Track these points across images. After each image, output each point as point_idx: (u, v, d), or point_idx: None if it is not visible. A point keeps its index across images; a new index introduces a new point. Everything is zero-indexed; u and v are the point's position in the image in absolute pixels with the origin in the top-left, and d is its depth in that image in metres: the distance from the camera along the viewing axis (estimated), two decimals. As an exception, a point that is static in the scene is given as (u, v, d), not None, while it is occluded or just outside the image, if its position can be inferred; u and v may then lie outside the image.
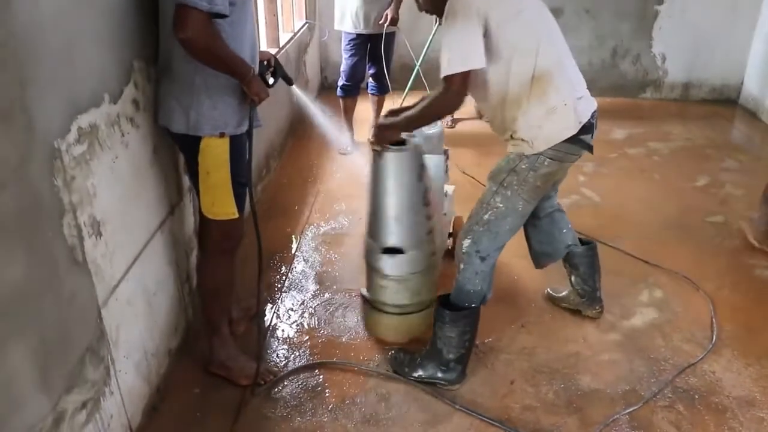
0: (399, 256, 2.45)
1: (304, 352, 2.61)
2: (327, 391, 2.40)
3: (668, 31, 5.94)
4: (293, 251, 3.38)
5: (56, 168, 1.60)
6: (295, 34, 4.94)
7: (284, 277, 3.12)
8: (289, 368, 2.50)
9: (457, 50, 2.02)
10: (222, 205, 2.16)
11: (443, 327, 2.32)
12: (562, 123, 2.15)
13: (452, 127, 5.27)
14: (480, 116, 5.47)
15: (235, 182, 2.14)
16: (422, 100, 2.25)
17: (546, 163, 2.19)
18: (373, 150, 2.39)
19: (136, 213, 2.10)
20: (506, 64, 2.09)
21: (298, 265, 3.25)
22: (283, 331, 2.74)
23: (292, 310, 2.89)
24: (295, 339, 2.69)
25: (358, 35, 4.45)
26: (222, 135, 2.06)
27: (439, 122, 2.95)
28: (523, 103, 2.13)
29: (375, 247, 2.50)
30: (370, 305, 2.61)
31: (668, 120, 5.59)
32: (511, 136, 2.22)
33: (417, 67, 5.14)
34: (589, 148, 2.26)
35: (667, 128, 5.36)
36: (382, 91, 4.76)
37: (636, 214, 3.82)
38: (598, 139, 2.35)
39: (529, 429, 2.24)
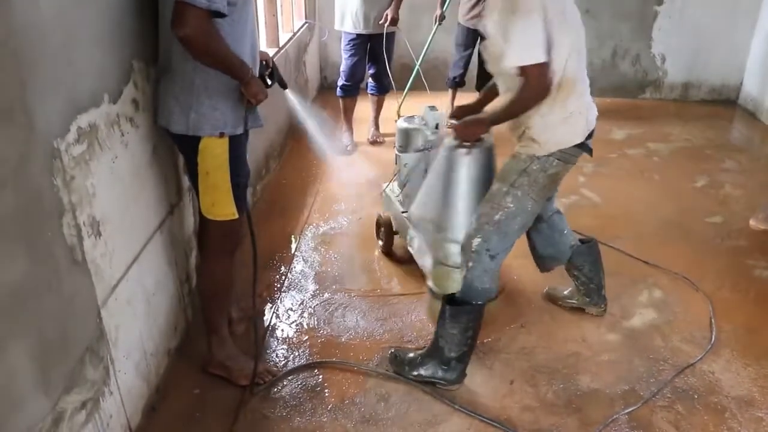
0: None
1: (303, 351, 2.61)
2: (326, 391, 2.40)
3: (668, 32, 5.95)
4: (293, 251, 3.38)
5: (56, 168, 1.60)
6: (294, 34, 4.94)
7: (284, 277, 3.12)
8: (289, 368, 2.50)
9: (529, 41, 2.02)
10: (222, 206, 2.15)
11: (446, 324, 2.32)
12: (574, 129, 2.22)
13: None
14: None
15: (234, 183, 2.14)
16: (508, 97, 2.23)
17: (555, 164, 2.24)
18: (460, 146, 2.41)
19: (136, 213, 2.10)
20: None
21: (298, 265, 3.25)
22: (282, 330, 2.74)
23: (291, 309, 2.89)
24: (294, 339, 2.69)
25: (358, 35, 4.45)
26: (222, 135, 2.05)
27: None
28: (544, 106, 2.15)
29: (445, 239, 2.57)
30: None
31: (668, 120, 5.59)
32: (523, 132, 2.24)
33: (417, 67, 5.15)
34: (590, 152, 2.33)
35: (666, 129, 5.37)
36: (381, 91, 4.76)
37: (635, 214, 3.82)
38: (598, 139, 2.37)
39: (528, 429, 2.24)
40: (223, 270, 2.31)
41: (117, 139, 1.93)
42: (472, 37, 5.17)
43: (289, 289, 3.04)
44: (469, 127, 2.34)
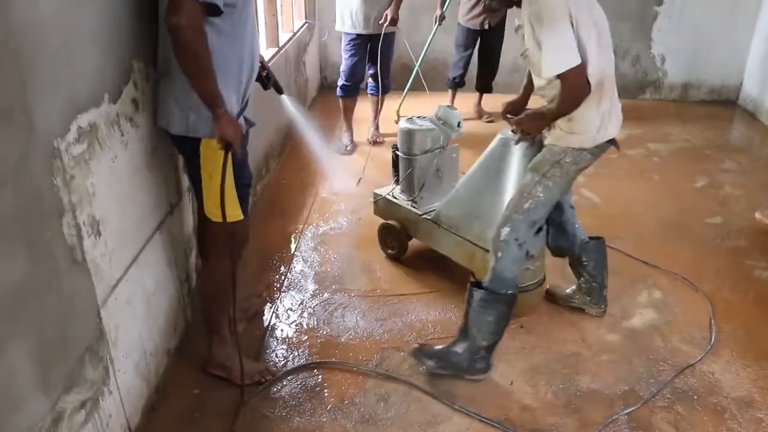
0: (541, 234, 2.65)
1: (303, 351, 2.61)
2: (326, 391, 2.40)
3: (668, 32, 5.95)
4: (292, 251, 3.38)
5: (56, 167, 1.60)
6: (294, 34, 4.95)
7: (283, 277, 3.12)
8: (288, 368, 2.50)
9: (561, 49, 2.10)
10: (227, 207, 2.10)
11: (482, 312, 2.36)
12: (610, 123, 2.32)
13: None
14: (480, 116, 5.48)
15: (237, 183, 2.11)
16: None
17: (588, 158, 2.34)
18: (523, 138, 2.46)
19: (136, 212, 2.10)
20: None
21: (297, 265, 3.25)
22: (282, 330, 2.74)
23: (291, 309, 2.89)
24: (294, 339, 2.69)
25: (358, 35, 4.45)
26: None
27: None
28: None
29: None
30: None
31: (668, 121, 5.60)
32: (558, 123, 2.29)
33: (416, 67, 5.15)
34: (618, 145, 2.43)
35: (666, 129, 5.37)
36: (381, 91, 4.76)
37: (635, 214, 3.82)
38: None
39: (527, 429, 2.24)
40: (224, 271, 2.27)
41: (117, 138, 1.93)
42: (472, 38, 5.18)
43: (289, 289, 3.04)
44: (534, 120, 2.38)
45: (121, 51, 1.94)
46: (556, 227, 2.69)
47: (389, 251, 3.28)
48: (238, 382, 2.36)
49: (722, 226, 3.70)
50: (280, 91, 2.47)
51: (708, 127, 5.43)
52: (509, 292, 2.38)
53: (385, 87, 4.73)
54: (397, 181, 3.26)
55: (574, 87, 2.16)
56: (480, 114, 5.51)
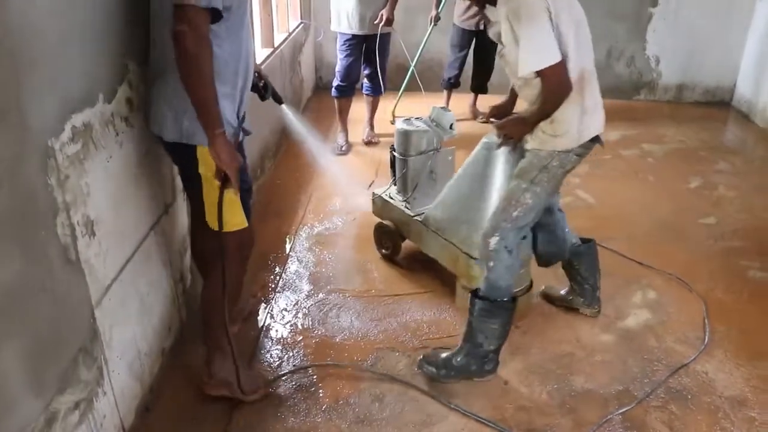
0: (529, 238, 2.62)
1: (297, 352, 2.60)
2: (321, 391, 2.40)
3: (662, 34, 5.97)
4: (287, 251, 3.38)
5: (50, 167, 1.59)
6: (290, 34, 4.94)
7: (278, 278, 3.12)
8: (283, 369, 2.50)
9: (541, 46, 2.06)
10: (231, 216, 2.04)
11: (487, 320, 2.36)
12: (594, 120, 2.28)
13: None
14: (475, 117, 5.49)
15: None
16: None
17: (573, 159, 2.31)
18: (505, 143, 2.42)
19: (130, 213, 2.09)
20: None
21: (292, 266, 3.24)
22: (276, 331, 2.74)
23: (285, 310, 2.88)
24: (288, 339, 2.69)
25: (354, 36, 4.45)
26: None
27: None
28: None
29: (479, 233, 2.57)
30: None
31: (662, 122, 5.61)
32: (540, 127, 2.26)
33: (412, 67, 5.15)
34: (602, 143, 2.39)
35: (660, 130, 5.39)
36: (377, 91, 4.76)
37: (630, 215, 3.83)
38: (592, 140, 2.37)
39: (522, 429, 2.24)
40: (235, 279, 2.18)
41: (111, 138, 1.92)
42: (468, 38, 5.18)
43: (284, 290, 3.03)
44: (517, 125, 2.35)
45: (116, 51, 1.94)
46: (545, 231, 2.65)
47: (383, 251, 3.28)
48: (245, 399, 2.27)
49: (716, 227, 3.71)
50: (279, 101, 2.44)
51: (702, 129, 5.45)
52: (506, 299, 2.37)
53: (380, 87, 4.72)
54: (394, 182, 3.26)
55: (555, 84, 2.11)
56: (475, 115, 5.52)
